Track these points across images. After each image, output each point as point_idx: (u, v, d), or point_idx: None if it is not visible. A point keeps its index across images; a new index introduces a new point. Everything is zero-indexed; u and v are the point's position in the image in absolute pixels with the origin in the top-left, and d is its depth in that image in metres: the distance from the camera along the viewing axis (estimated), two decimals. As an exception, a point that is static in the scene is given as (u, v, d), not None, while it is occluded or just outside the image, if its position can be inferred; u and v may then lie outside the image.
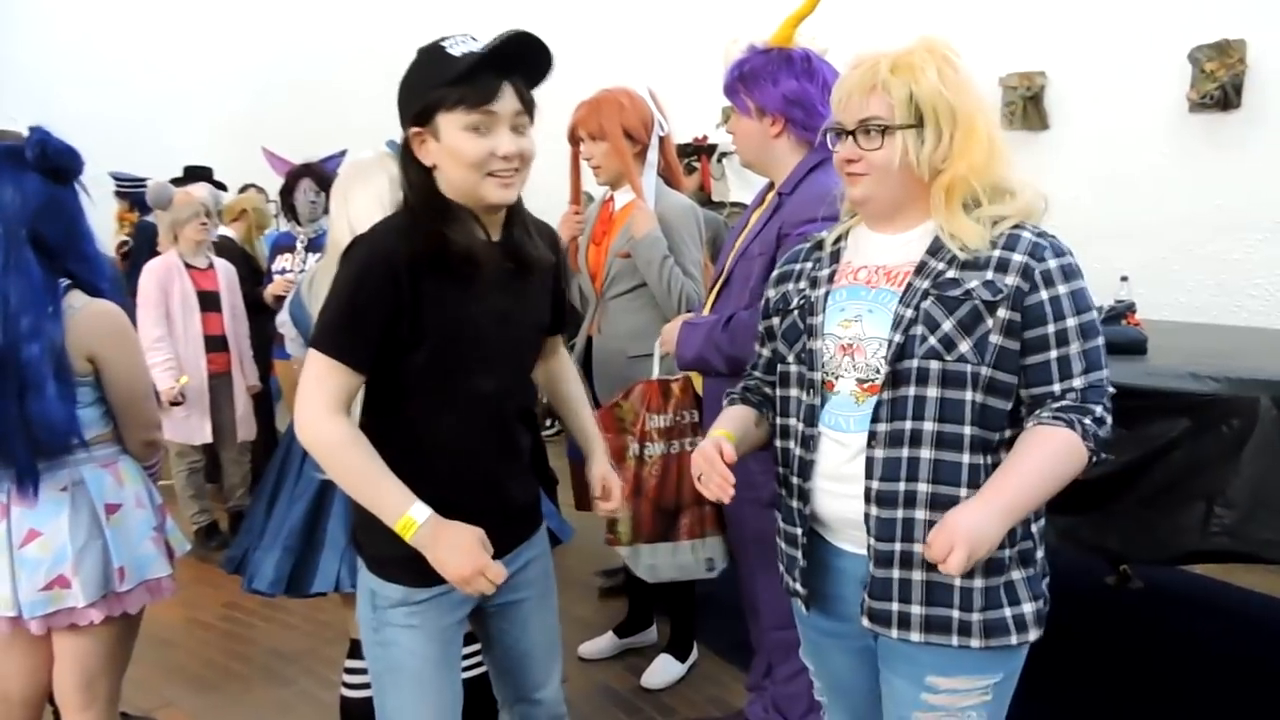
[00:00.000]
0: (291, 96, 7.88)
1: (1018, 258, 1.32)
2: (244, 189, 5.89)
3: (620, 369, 2.66)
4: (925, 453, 1.34)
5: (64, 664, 1.89)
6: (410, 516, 1.37)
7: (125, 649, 1.97)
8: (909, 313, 1.34)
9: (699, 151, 5.07)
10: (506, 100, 1.39)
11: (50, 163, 1.77)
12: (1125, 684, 2.81)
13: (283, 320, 2.26)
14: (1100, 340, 1.35)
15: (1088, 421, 1.30)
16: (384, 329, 1.40)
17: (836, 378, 1.42)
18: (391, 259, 1.39)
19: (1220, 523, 2.15)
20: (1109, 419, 1.34)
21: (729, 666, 2.94)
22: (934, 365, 1.32)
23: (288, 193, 4.12)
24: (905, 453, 1.34)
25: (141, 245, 4.88)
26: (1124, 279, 3.19)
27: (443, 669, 1.55)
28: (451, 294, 1.43)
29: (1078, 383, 1.33)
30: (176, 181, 5.47)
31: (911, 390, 1.34)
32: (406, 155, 1.44)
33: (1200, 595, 3.46)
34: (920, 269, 1.37)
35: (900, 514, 1.35)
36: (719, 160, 5.25)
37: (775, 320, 1.55)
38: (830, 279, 1.47)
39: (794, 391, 1.48)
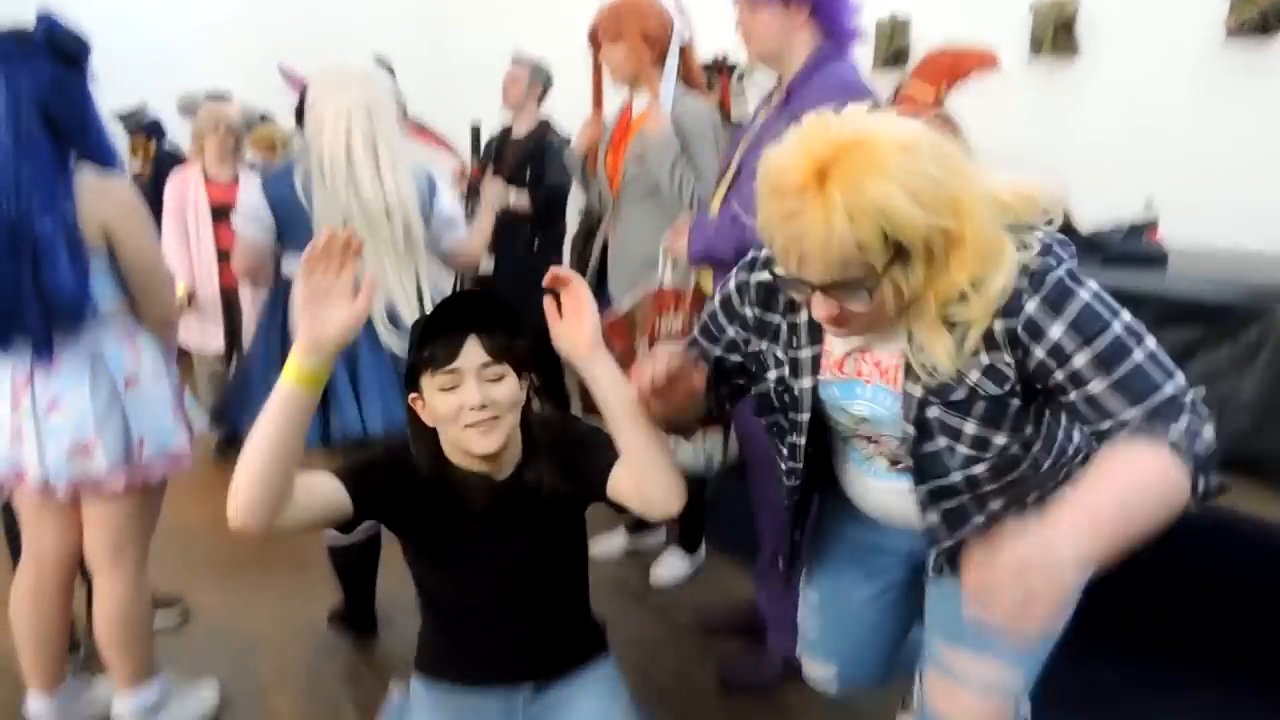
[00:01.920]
0: (308, 26, 7.79)
1: (998, 325, 1.17)
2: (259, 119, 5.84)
3: (636, 271, 2.65)
4: (979, 468, 1.28)
5: (92, 529, 1.96)
6: (288, 365, 1.30)
7: (151, 514, 2.04)
8: (917, 430, 1.25)
9: (720, 69, 5.01)
10: (469, 354, 1.42)
11: (58, 44, 1.80)
12: (1122, 607, 2.83)
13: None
14: (1139, 358, 1.12)
15: (1174, 435, 1.07)
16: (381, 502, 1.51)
17: (862, 441, 1.38)
18: (395, 472, 1.51)
19: (1231, 429, 2.16)
20: (1207, 431, 1.10)
21: (737, 568, 2.99)
22: (972, 456, 1.26)
23: (305, 109, 4.09)
24: (954, 482, 1.30)
25: (160, 176, 4.87)
26: (1148, 201, 3.15)
27: None
28: (441, 525, 1.53)
29: (1127, 416, 1.12)
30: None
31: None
32: (412, 419, 1.51)
33: (1202, 521, 3.45)
34: (908, 370, 1.24)
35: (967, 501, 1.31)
36: (739, 80, 5.19)
37: (735, 359, 1.45)
38: (814, 367, 1.34)
39: (794, 439, 1.42)
